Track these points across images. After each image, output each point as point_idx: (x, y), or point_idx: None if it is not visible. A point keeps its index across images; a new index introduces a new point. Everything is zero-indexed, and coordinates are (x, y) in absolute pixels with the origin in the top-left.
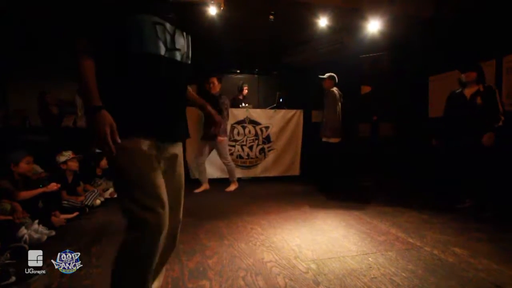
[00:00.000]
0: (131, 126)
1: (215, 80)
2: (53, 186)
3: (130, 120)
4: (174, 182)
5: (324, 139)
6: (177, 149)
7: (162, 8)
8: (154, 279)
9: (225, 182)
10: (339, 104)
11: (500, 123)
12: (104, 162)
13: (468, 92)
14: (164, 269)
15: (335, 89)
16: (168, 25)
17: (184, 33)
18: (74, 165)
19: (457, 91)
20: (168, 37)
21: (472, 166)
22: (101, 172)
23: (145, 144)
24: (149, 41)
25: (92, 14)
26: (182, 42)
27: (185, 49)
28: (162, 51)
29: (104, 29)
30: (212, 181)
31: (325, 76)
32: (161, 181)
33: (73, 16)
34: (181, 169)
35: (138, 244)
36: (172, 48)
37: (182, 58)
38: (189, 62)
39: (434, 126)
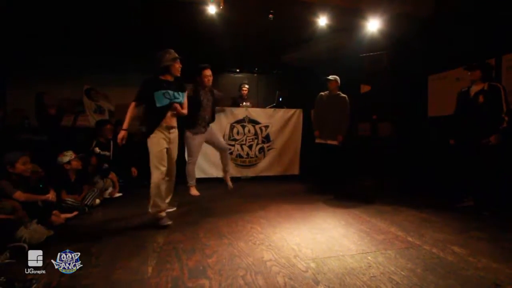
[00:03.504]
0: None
1: (209, 72)
2: (50, 197)
3: (151, 127)
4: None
5: (329, 142)
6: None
7: (168, 86)
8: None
9: (224, 181)
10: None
11: (505, 124)
12: (94, 160)
13: (473, 90)
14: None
15: (343, 93)
16: (170, 92)
17: (180, 92)
18: (77, 164)
19: (464, 89)
20: (171, 95)
21: (474, 166)
22: (94, 170)
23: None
24: (160, 101)
25: (140, 93)
26: (179, 97)
27: (180, 99)
28: (167, 102)
29: (145, 98)
30: (211, 180)
31: (332, 78)
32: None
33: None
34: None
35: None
36: (173, 99)
37: (179, 102)
38: (181, 103)
39: (449, 125)
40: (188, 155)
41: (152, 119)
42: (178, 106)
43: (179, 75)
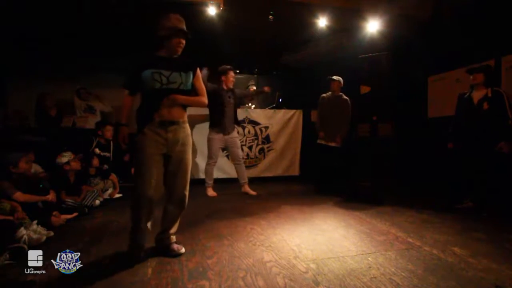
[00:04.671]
0: (139, 125)
1: (233, 73)
2: (50, 197)
3: (139, 123)
4: None
5: (331, 144)
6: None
7: (163, 64)
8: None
9: (223, 182)
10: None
11: None
12: (96, 161)
13: (475, 95)
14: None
15: (345, 95)
16: (164, 72)
17: (182, 72)
18: (76, 165)
19: (465, 94)
20: (164, 78)
21: (478, 170)
22: (95, 172)
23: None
24: (148, 84)
25: (128, 75)
26: (177, 79)
27: (181, 81)
28: (157, 86)
29: (133, 81)
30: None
31: (335, 79)
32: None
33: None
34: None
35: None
36: (167, 83)
37: (178, 86)
38: (186, 87)
39: (449, 129)
40: (209, 157)
41: (141, 111)
42: (178, 97)
43: (178, 53)
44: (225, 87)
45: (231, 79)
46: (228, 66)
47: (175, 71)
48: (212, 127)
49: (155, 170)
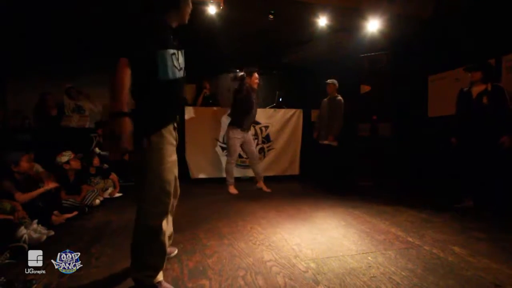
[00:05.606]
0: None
1: (257, 74)
2: (51, 184)
3: (153, 122)
4: None
5: (326, 142)
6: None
7: (174, 41)
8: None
9: (224, 182)
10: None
11: None
12: (96, 160)
13: (474, 90)
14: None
15: (340, 96)
16: (178, 54)
17: (182, 50)
18: (76, 164)
19: (465, 89)
20: (178, 61)
21: (477, 166)
22: (95, 171)
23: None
24: (168, 71)
25: (136, 43)
26: (182, 60)
27: (183, 65)
28: (178, 75)
29: (138, 60)
30: (212, 181)
31: (329, 82)
32: None
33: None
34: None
35: None
36: (180, 69)
37: (183, 74)
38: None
39: (452, 125)
40: (229, 155)
41: (153, 106)
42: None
43: (186, 22)
44: (251, 88)
45: (256, 80)
46: (254, 68)
47: (179, 49)
48: (234, 125)
49: (174, 180)
